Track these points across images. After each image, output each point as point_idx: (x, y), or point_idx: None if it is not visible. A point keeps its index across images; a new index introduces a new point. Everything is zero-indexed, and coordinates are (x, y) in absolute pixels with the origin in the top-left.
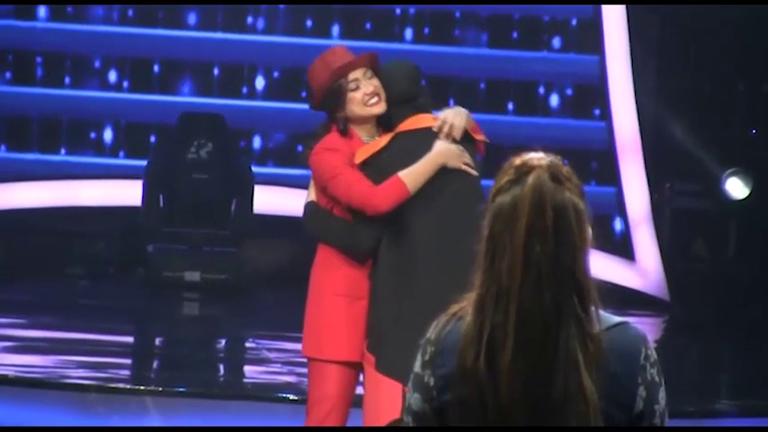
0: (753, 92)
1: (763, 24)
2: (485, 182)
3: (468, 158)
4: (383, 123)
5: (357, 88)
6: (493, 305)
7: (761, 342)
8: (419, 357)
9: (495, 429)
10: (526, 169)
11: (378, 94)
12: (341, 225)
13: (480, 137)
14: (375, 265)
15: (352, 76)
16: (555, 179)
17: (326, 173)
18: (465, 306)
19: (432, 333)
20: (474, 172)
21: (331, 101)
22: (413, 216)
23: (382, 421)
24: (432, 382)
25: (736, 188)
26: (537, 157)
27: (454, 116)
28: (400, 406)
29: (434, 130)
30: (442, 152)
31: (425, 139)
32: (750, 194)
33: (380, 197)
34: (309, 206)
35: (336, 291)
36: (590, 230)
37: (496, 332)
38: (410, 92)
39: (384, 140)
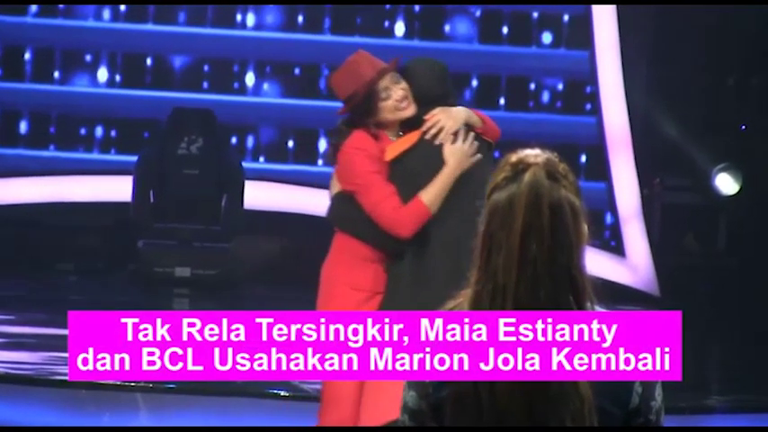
0: (743, 87)
1: (753, 19)
2: None
3: (474, 157)
4: (409, 121)
5: (388, 97)
6: (489, 302)
7: (752, 337)
8: None
9: (492, 426)
10: (522, 166)
11: (407, 98)
12: (365, 218)
13: (490, 137)
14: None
15: (382, 84)
16: (551, 177)
17: (356, 178)
18: (461, 302)
19: None
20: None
21: (362, 109)
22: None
23: (383, 419)
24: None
25: (727, 184)
26: (533, 154)
27: (447, 118)
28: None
29: (424, 136)
30: (457, 161)
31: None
32: (740, 190)
33: (403, 224)
34: (336, 198)
35: (353, 285)
36: (586, 228)
37: None
38: (439, 92)
39: (413, 139)
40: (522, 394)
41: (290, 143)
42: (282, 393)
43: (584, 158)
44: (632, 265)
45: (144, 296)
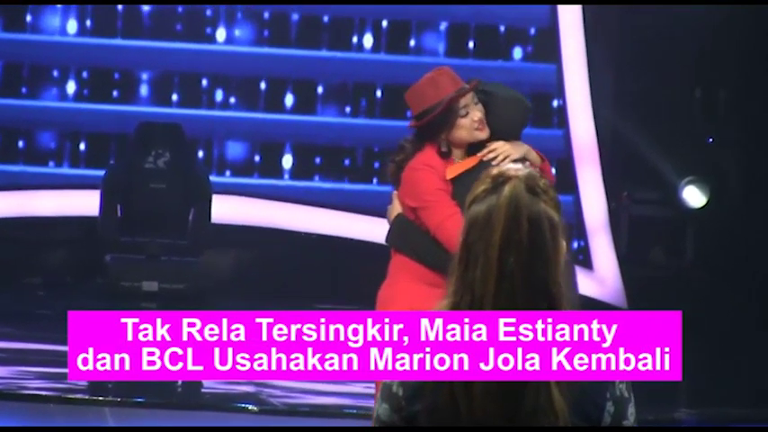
0: (710, 100)
1: (719, 31)
2: None
3: None
4: (474, 145)
5: (467, 114)
6: None
7: (719, 349)
8: None
9: None
10: (502, 179)
11: (483, 121)
12: (429, 241)
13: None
14: None
15: (462, 101)
16: (531, 191)
17: (424, 194)
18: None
19: None
20: None
21: (440, 123)
22: None
23: None
24: (401, 392)
25: (694, 196)
26: (514, 168)
27: (510, 147)
28: None
29: (483, 159)
30: None
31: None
32: (707, 203)
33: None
34: (397, 220)
35: (413, 307)
36: (564, 243)
37: None
38: (519, 129)
39: (473, 161)
40: (498, 410)
41: (257, 157)
42: (251, 407)
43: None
44: (600, 277)
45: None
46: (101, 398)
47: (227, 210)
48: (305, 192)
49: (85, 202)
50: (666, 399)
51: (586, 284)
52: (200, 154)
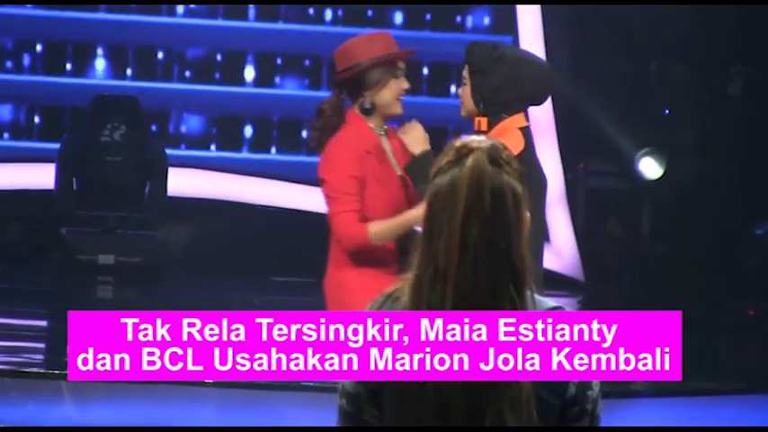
0: (666, 72)
1: (676, 5)
2: None
3: None
4: (494, 109)
5: (399, 78)
6: (430, 285)
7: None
8: None
9: (432, 410)
10: (466, 151)
11: (404, 94)
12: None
13: None
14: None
15: (399, 64)
16: (494, 162)
17: (326, 185)
18: (401, 287)
19: None
20: None
21: (371, 79)
22: None
23: None
24: None
25: (650, 168)
26: (477, 140)
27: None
28: None
29: None
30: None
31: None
32: (664, 174)
33: (346, 241)
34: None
35: (367, 289)
36: (528, 215)
37: None
38: (543, 96)
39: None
40: (464, 382)
41: (214, 130)
42: (206, 381)
43: None
44: (556, 249)
45: (68, 284)
46: (56, 371)
47: (183, 183)
48: (261, 164)
49: (41, 176)
50: None
51: (544, 256)
52: (156, 127)
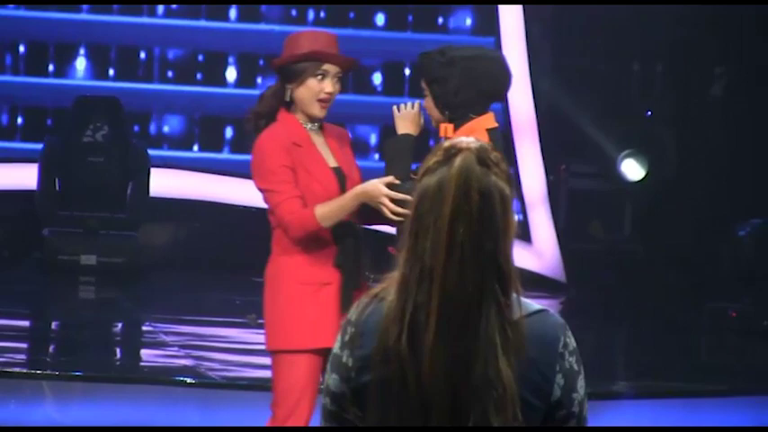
0: (648, 73)
1: (659, 6)
2: None
3: (391, 204)
4: (459, 111)
5: (321, 80)
6: (416, 285)
7: (656, 323)
8: (339, 338)
9: (415, 410)
10: (454, 151)
11: (330, 101)
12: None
13: None
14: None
15: (326, 66)
16: (482, 163)
17: (261, 179)
18: (387, 287)
19: (352, 314)
20: (397, 219)
21: (293, 72)
22: None
23: None
24: (350, 362)
25: (632, 169)
26: (466, 140)
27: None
28: None
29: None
30: (367, 191)
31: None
32: (646, 176)
33: (294, 228)
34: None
35: (300, 279)
36: (515, 217)
37: (419, 312)
38: (502, 90)
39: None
40: (447, 380)
41: (196, 130)
42: (189, 381)
43: None
44: (538, 251)
45: (50, 284)
46: (38, 371)
47: (165, 183)
48: (243, 165)
49: (23, 176)
50: (605, 372)
51: (525, 258)
52: (138, 127)
